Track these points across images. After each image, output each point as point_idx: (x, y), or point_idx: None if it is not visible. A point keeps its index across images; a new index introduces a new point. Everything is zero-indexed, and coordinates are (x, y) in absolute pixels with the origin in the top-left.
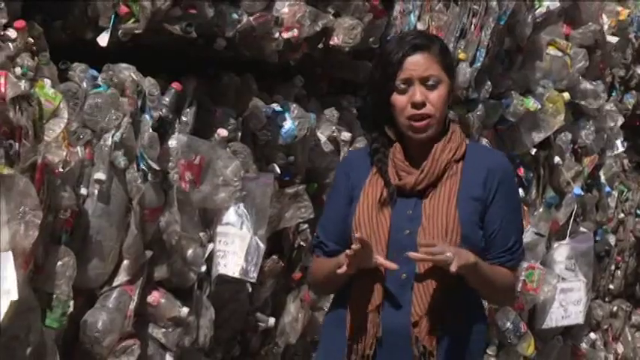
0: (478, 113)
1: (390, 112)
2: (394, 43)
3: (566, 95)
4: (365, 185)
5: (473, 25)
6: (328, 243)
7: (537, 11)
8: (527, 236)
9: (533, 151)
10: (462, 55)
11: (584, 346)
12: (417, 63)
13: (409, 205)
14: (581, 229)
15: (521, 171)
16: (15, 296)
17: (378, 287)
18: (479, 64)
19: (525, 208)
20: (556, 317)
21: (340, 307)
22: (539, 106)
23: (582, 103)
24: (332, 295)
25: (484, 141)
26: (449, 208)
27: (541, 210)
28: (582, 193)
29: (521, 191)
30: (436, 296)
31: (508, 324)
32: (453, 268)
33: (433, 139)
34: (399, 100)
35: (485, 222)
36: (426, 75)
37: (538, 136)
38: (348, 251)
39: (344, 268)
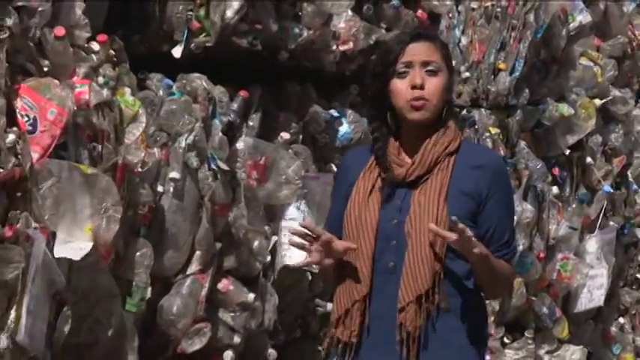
0: (517, 118)
1: (388, 103)
2: (395, 35)
3: (597, 101)
4: (358, 179)
5: (512, 38)
6: None
7: (571, 25)
8: (562, 230)
9: (567, 152)
10: (502, 65)
11: (613, 329)
12: (418, 48)
13: (399, 196)
14: (611, 223)
15: (556, 170)
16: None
17: (365, 276)
18: (517, 74)
19: (560, 204)
20: (584, 301)
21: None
22: (573, 112)
23: (612, 108)
24: None
25: (522, 143)
26: (438, 201)
27: (574, 206)
28: (612, 191)
29: (555, 189)
30: (424, 283)
31: (544, 309)
32: (477, 250)
33: (428, 133)
34: (398, 84)
35: (481, 218)
36: (427, 60)
37: (571, 139)
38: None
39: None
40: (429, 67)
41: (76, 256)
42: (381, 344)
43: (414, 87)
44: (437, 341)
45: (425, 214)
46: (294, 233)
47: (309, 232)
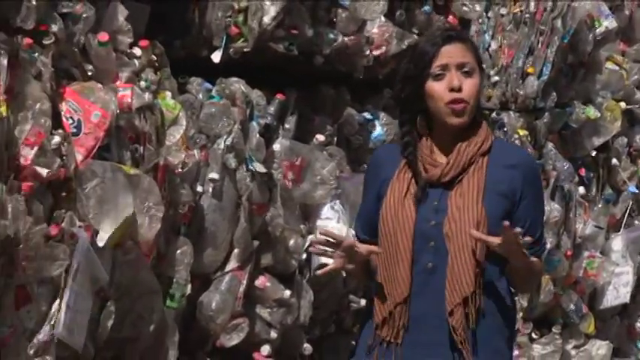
0: (545, 120)
1: (421, 105)
2: (427, 37)
3: (623, 104)
4: (392, 179)
5: (540, 43)
6: (361, 236)
7: (597, 31)
8: (589, 229)
9: (594, 153)
10: (530, 69)
11: (638, 325)
12: (453, 50)
13: (435, 197)
14: (636, 222)
15: (583, 171)
16: None
17: (405, 278)
18: (545, 77)
19: (586, 203)
20: (610, 298)
21: (370, 300)
22: (599, 114)
23: (637, 111)
24: None
25: (550, 145)
26: (476, 202)
27: (600, 206)
28: (637, 191)
29: (582, 189)
30: (469, 285)
31: (571, 306)
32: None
33: (461, 133)
34: (435, 86)
35: (515, 217)
36: (463, 61)
37: (598, 141)
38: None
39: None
40: (465, 69)
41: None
42: (422, 344)
43: (452, 89)
44: (475, 343)
45: (464, 216)
46: (317, 243)
47: (331, 239)
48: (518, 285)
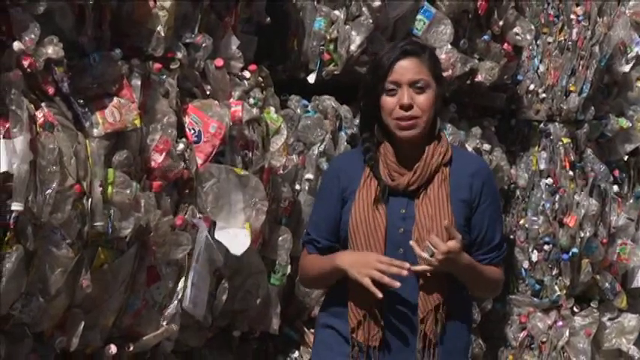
0: (584, 130)
1: (377, 115)
2: (387, 48)
3: None
4: (359, 186)
5: (581, 66)
6: (320, 240)
7: (629, 55)
8: (621, 220)
9: (626, 157)
10: (572, 88)
11: None
12: (406, 67)
13: (402, 205)
14: None
15: (617, 172)
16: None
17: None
18: (585, 94)
19: (619, 199)
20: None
21: (337, 303)
22: (630, 125)
23: None
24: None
25: (589, 150)
26: (446, 210)
27: (631, 201)
28: None
29: (616, 187)
30: (440, 292)
31: (607, 285)
32: (435, 262)
33: (422, 142)
34: (387, 101)
35: (472, 223)
36: (415, 79)
37: (629, 147)
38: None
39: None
40: (417, 85)
41: (237, 251)
42: (395, 350)
43: (402, 107)
44: (442, 347)
45: (434, 223)
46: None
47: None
48: (471, 290)
